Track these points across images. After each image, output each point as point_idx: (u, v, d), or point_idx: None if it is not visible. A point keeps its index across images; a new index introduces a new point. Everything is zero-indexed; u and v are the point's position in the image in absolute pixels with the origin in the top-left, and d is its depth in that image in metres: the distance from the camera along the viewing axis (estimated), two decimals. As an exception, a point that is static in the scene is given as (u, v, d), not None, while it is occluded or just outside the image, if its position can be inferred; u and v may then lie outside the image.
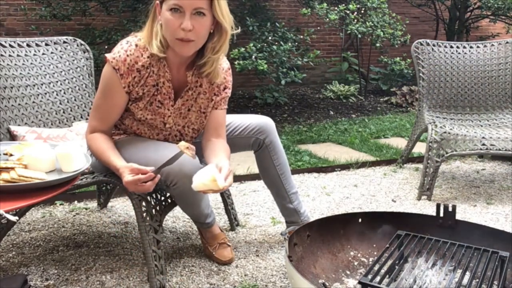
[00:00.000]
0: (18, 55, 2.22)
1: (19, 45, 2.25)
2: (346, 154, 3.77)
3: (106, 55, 1.69)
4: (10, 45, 2.21)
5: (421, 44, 3.23)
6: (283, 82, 4.75)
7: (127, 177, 1.56)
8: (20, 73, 2.18)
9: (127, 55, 1.67)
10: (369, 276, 1.45)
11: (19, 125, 2.10)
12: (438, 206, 1.86)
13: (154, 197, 1.85)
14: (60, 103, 2.31)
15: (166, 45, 1.67)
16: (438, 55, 3.26)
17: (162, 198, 1.89)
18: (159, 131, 1.82)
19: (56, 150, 1.50)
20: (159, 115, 1.78)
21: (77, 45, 2.48)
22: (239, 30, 1.72)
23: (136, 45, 1.68)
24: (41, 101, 2.23)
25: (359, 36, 4.90)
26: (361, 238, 1.89)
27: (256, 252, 2.11)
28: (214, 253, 2.02)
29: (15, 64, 2.18)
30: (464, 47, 3.35)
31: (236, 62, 4.27)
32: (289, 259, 1.56)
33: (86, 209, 2.60)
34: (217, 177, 1.50)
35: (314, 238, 1.80)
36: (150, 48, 1.66)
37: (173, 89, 1.76)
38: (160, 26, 1.65)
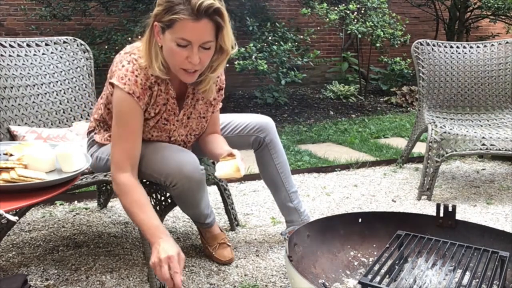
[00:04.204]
0: (18, 55, 2.22)
1: (19, 45, 2.25)
2: (346, 154, 3.77)
3: (113, 81, 1.62)
4: (10, 45, 2.21)
5: (421, 44, 3.23)
6: (283, 82, 4.75)
7: (155, 259, 1.48)
8: (20, 73, 2.18)
9: (136, 76, 1.61)
10: (369, 276, 1.45)
11: (19, 125, 2.10)
12: (438, 206, 1.86)
13: (154, 197, 1.85)
14: (60, 103, 2.31)
15: (167, 66, 1.63)
16: (438, 55, 3.26)
17: (162, 198, 1.89)
18: None
19: (56, 150, 1.50)
20: (165, 131, 1.76)
21: (77, 45, 2.49)
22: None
23: (139, 64, 1.63)
24: (41, 101, 2.23)
25: (359, 36, 4.90)
26: (361, 238, 1.89)
27: (256, 252, 2.11)
28: (214, 253, 2.02)
29: (15, 64, 2.18)
30: (464, 47, 3.35)
31: (236, 62, 4.27)
32: (289, 259, 1.56)
33: (86, 209, 2.60)
34: (240, 166, 1.61)
35: (314, 238, 1.80)
36: (152, 70, 1.62)
37: (177, 106, 1.75)
38: (160, 48, 1.60)
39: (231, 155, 1.65)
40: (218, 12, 1.53)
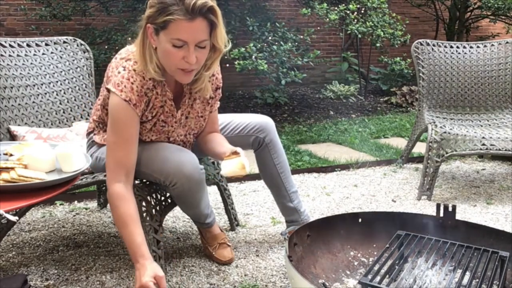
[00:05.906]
0: (18, 55, 2.22)
1: (19, 45, 2.25)
2: (346, 154, 3.77)
3: (109, 87, 1.62)
4: (10, 45, 2.21)
5: (421, 44, 3.23)
6: (283, 82, 4.75)
7: (148, 278, 1.46)
8: (20, 73, 2.18)
9: (132, 83, 1.60)
10: (369, 276, 1.45)
11: (19, 125, 2.10)
12: (438, 206, 1.86)
13: (154, 197, 1.85)
14: (60, 103, 2.31)
15: (162, 68, 1.63)
16: (438, 55, 3.26)
17: (162, 198, 1.89)
18: None
19: (56, 150, 1.51)
20: (163, 133, 1.76)
21: (77, 45, 2.49)
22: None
23: (135, 70, 1.62)
24: (41, 101, 2.23)
25: (359, 36, 4.90)
26: (361, 238, 1.89)
27: (256, 252, 2.11)
28: (214, 253, 2.02)
29: (15, 64, 2.18)
30: (464, 47, 3.35)
31: (236, 62, 4.27)
32: (289, 259, 1.56)
33: (86, 209, 2.60)
34: (245, 163, 1.62)
35: (314, 238, 1.80)
36: (147, 73, 1.61)
37: (175, 107, 1.75)
38: (154, 50, 1.59)
39: (235, 153, 1.66)
40: (212, 10, 1.53)
